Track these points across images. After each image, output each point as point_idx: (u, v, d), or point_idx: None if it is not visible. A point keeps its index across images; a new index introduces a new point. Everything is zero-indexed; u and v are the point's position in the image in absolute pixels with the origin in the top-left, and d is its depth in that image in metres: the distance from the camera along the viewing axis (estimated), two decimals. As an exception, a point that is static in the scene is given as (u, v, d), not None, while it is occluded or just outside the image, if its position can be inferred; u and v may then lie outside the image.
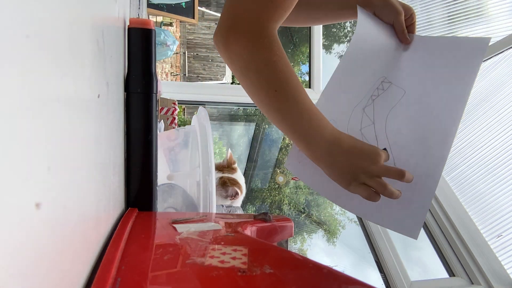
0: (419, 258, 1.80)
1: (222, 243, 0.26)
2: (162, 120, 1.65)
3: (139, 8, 0.64)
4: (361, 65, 0.68)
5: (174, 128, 1.67)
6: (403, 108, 0.66)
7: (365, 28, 0.66)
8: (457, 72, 0.64)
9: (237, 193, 1.01)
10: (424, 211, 0.59)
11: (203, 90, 2.15)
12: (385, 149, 0.62)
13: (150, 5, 2.06)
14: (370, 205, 0.62)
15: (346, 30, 3.10)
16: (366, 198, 0.55)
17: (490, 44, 0.64)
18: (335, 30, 3.15)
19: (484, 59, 1.60)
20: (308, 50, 2.34)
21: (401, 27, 0.67)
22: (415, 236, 0.58)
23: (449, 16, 2.06)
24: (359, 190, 0.55)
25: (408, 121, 0.65)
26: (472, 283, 1.53)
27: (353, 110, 0.68)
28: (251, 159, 3.23)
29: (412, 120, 0.65)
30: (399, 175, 0.54)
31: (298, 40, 3.50)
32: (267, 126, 3.26)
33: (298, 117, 0.54)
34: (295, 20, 0.77)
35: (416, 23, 0.70)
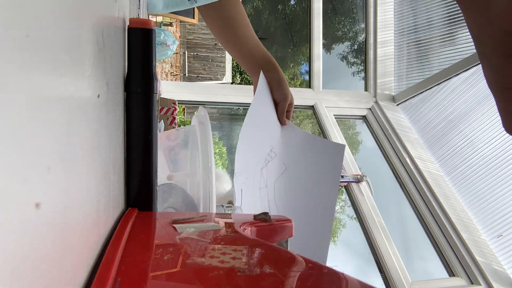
0: (419, 258, 1.80)
1: (222, 243, 0.26)
2: (162, 120, 1.65)
3: (139, 8, 0.64)
4: (259, 125, 0.70)
5: (174, 128, 1.67)
6: (286, 181, 0.70)
7: (263, 93, 0.70)
8: (324, 169, 0.70)
9: None
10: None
11: (203, 90, 2.15)
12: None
13: (150, 5, 2.06)
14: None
15: (345, 29, 3.10)
16: None
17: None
18: (337, 32, 3.15)
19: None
20: (308, 50, 2.34)
21: (282, 110, 0.73)
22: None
23: (449, 16, 2.06)
24: None
25: (292, 193, 0.70)
26: (472, 283, 1.53)
27: (255, 167, 0.69)
28: (251, 159, 3.23)
29: (295, 193, 0.70)
30: None
31: (298, 40, 3.50)
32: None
33: None
34: (219, 38, 0.78)
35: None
